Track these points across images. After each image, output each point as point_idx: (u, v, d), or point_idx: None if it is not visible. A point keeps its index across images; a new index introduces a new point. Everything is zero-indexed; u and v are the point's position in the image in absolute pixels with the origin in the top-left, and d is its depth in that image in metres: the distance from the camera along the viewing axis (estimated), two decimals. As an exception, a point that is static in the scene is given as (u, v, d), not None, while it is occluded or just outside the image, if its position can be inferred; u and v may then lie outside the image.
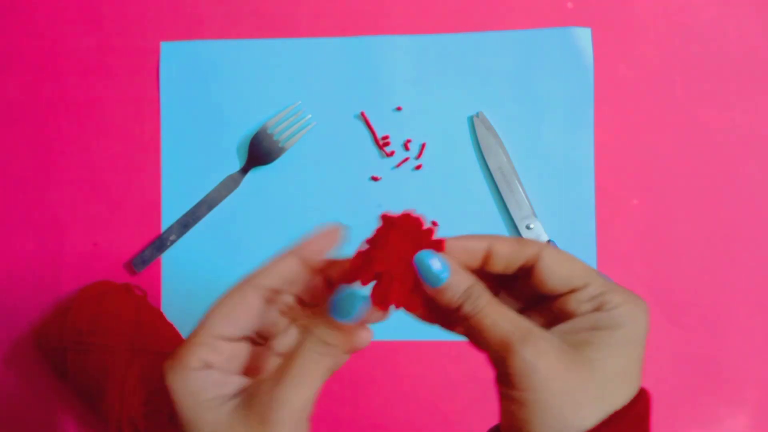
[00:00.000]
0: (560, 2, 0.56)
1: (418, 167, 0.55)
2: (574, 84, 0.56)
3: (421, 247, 0.27)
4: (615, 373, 0.26)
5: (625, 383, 0.27)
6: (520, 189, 0.54)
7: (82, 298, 0.52)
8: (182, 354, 0.28)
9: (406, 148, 0.56)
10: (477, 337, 0.27)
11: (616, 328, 0.26)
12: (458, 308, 0.28)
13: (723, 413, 0.54)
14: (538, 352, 0.25)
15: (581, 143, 0.55)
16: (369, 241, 0.28)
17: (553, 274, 0.28)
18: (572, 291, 0.28)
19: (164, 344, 0.51)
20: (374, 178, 0.56)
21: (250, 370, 0.30)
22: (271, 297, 0.29)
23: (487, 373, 0.56)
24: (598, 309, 0.27)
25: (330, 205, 0.55)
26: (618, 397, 0.26)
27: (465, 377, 0.54)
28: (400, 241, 0.27)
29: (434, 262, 0.27)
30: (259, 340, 0.31)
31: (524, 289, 0.30)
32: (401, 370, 0.55)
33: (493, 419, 0.54)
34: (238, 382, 0.28)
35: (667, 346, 0.54)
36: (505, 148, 0.55)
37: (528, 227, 0.54)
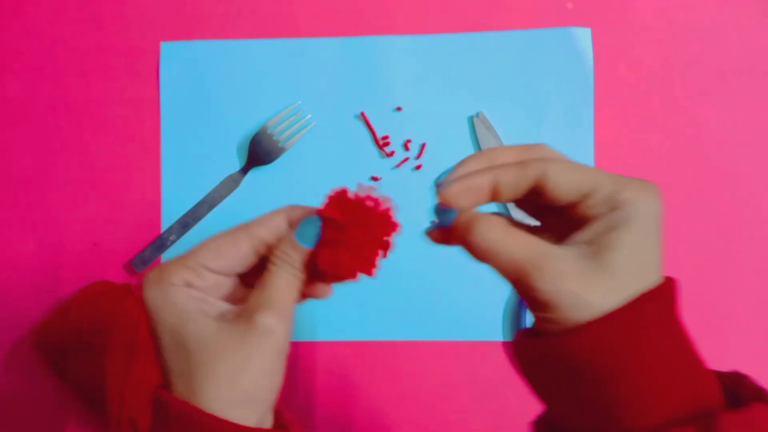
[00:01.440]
0: (560, 2, 0.56)
1: (418, 167, 0.55)
2: (574, 84, 0.56)
3: (375, 221, 0.30)
4: (636, 268, 0.27)
5: (646, 274, 0.27)
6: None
7: (82, 298, 0.52)
8: (165, 271, 0.30)
9: (406, 148, 0.56)
10: (495, 268, 0.28)
11: (629, 224, 0.27)
12: (469, 244, 0.28)
13: (723, 413, 0.54)
14: (557, 277, 0.26)
15: (581, 143, 0.55)
16: (325, 213, 0.31)
17: (562, 187, 0.28)
18: (585, 197, 0.28)
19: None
20: (374, 178, 0.56)
21: (235, 301, 0.32)
22: (260, 248, 0.32)
23: (487, 373, 0.56)
24: (612, 209, 0.27)
25: (330, 205, 0.55)
26: (642, 285, 0.27)
27: (465, 377, 0.54)
28: (355, 220, 0.30)
29: (444, 213, 0.29)
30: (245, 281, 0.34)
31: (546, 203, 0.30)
32: (401, 370, 0.55)
33: (493, 419, 0.55)
34: (220, 305, 0.31)
35: (667, 346, 0.54)
36: (505, 148, 0.55)
37: (528, 227, 0.54)
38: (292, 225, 0.32)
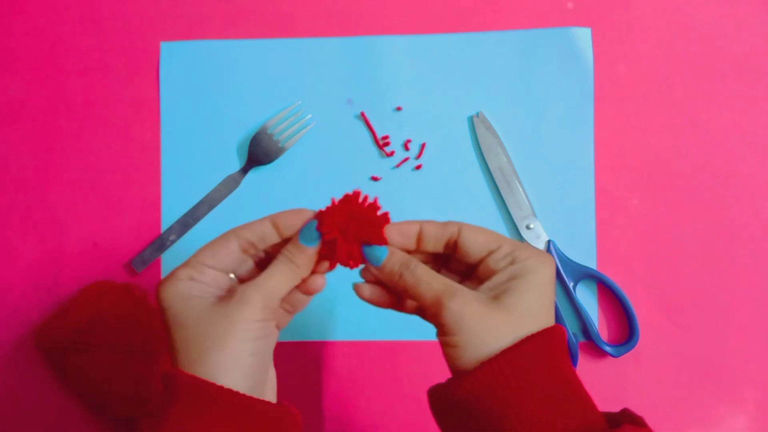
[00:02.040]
0: (560, 2, 0.56)
1: (418, 167, 0.55)
2: (574, 84, 0.56)
3: (366, 220, 0.35)
4: (527, 310, 0.33)
5: (536, 318, 0.33)
6: (520, 189, 0.54)
7: (82, 298, 0.52)
8: (173, 272, 0.36)
9: (406, 148, 0.56)
10: (417, 301, 0.35)
11: (524, 275, 0.33)
12: (400, 279, 0.35)
13: (723, 413, 0.54)
14: (463, 303, 0.32)
15: (581, 143, 0.55)
16: (321, 213, 0.36)
17: (472, 244, 0.35)
18: (490, 254, 0.35)
19: (164, 344, 0.51)
20: (374, 178, 0.56)
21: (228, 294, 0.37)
22: (247, 247, 0.37)
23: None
24: (511, 263, 0.34)
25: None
26: (531, 328, 0.32)
27: (465, 377, 0.54)
28: (346, 215, 0.35)
29: (376, 249, 0.35)
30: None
31: (458, 265, 0.37)
32: (401, 370, 0.55)
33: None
34: (217, 293, 0.36)
35: (667, 346, 0.54)
36: (505, 148, 0.55)
37: (528, 227, 0.54)
38: (276, 227, 0.37)
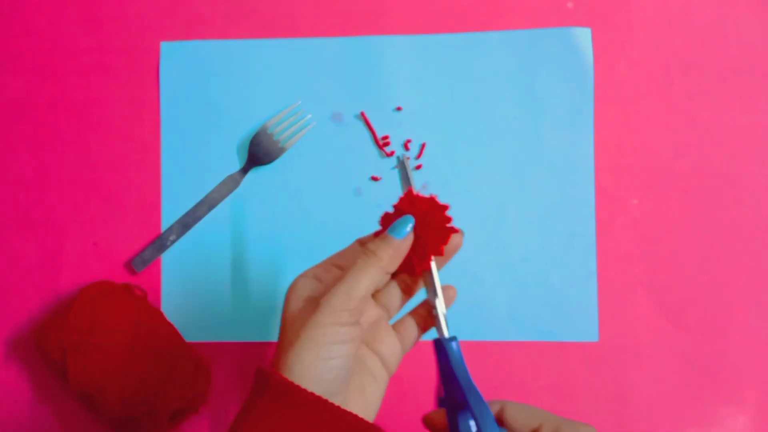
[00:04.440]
0: (560, 2, 0.56)
1: (418, 167, 0.55)
2: (574, 84, 0.56)
3: (435, 216, 0.37)
4: None
5: None
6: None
7: (82, 298, 0.52)
8: (306, 270, 0.38)
9: (406, 148, 0.56)
10: None
11: None
12: None
13: (723, 413, 0.54)
14: None
15: (581, 143, 0.55)
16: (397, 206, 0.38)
17: (516, 420, 0.36)
18: (535, 430, 0.35)
19: (164, 344, 0.51)
20: (374, 178, 0.56)
21: None
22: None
23: (487, 373, 0.56)
24: None
25: (330, 205, 0.55)
26: None
27: (465, 377, 0.54)
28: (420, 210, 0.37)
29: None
30: None
31: None
32: (401, 370, 0.55)
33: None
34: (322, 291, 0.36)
35: (667, 346, 0.54)
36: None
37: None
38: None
